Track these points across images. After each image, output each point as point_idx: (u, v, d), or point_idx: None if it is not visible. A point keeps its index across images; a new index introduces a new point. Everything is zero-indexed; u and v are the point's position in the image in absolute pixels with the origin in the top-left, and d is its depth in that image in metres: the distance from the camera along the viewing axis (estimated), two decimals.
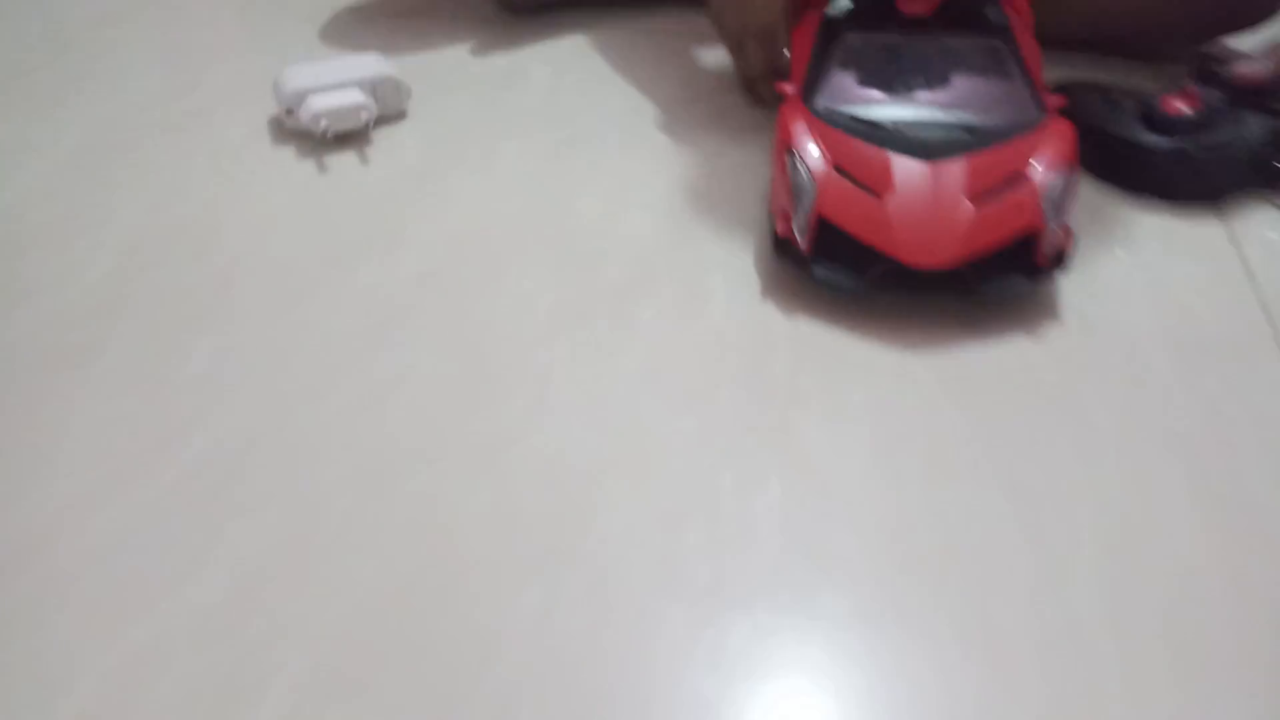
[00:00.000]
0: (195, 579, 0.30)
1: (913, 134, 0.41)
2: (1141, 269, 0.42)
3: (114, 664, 0.28)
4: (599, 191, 0.48)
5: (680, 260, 0.43)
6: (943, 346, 0.39)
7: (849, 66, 0.44)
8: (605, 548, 0.31)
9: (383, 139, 0.52)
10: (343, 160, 0.50)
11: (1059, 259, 0.40)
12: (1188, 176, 0.45)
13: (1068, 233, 0.40)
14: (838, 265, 0.40)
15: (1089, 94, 0.48)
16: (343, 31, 0.62)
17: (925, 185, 0.39)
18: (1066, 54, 0.55)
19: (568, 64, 0.58)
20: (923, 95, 0.42)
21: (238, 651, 0.28)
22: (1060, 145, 0.40)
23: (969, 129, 0.41)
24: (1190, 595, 0.30)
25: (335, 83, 0.51)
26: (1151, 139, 0.45)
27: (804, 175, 0.40)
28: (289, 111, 0.50)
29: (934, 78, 0.43)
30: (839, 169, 0.40)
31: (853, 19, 0.45)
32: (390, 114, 0.53)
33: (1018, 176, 0.39)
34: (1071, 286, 0.41)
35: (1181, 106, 0.45)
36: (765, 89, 0.53)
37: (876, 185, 0.39)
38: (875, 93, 0.43)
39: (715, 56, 0.59)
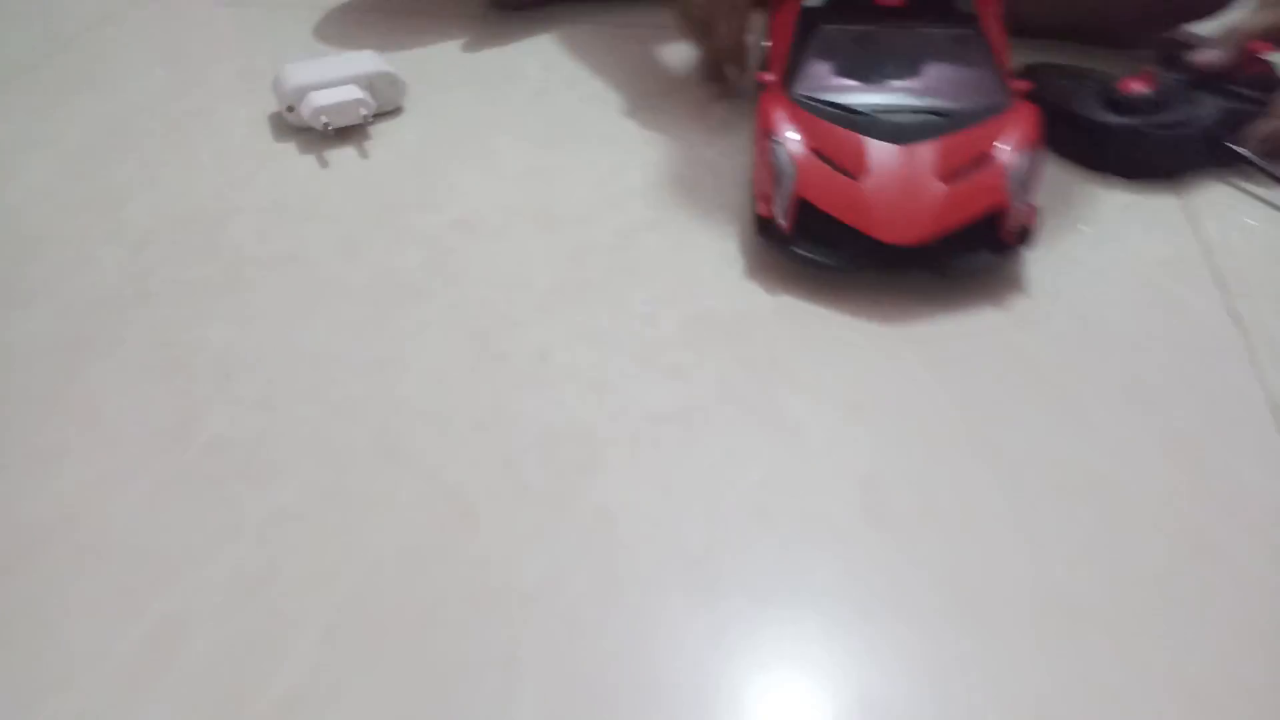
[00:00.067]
0: (217, 552, 0.32)
1: (886, 119, 0.43)
2: (1103, 243, 0.45)
3: (141, 634, 0.30)
4: (590, 179, 0.50)
5: (669, 243, 0.45)
6: (917, 318, 0.41)
7: (826, 55, 0.46)
8: (604, 513, 0.33)
9: (381, 133, 0.54)
10: (343, 154, 0.52)
11: (1025, 235, 0.42)
12: (1144, 154, 0.47)
13: (1032, 210, 0.42)
14: (817, 244, 0.42)
15: (1053, 76, 0.50)
16: (338, 29, 0.64)
17: (898, 167, 0.41)
18: (1037, 42, 0.57)
19: (556, 59, 0.60)
20: (896, 82, 0.45)
21: (259, 619, 0.30)
22: (1025, 128, 0.42)
23: (939, 113, 0.43)
24: (1153, 544, 0.32)
25: (334, 79, 0.53)
26: (1110, 118, 0.47)
27: (784, 159, 0.42)
28: (290, 108, 0.52)
29: (907, 65, 0.45)
30: (817, 153, 0.42)
31: (829, 10, 0.48)
32: (388, 109, 0.55)
33: (985, 158, 0.41)
34: (1038, 260, 0.44)
35: (1138, 88, 0.47)
36: (733, 70, 0.55)
37: (852, 168, 0.41)
38: (851, 80, 0.45)
39: (694, 51, 0.61)
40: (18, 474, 0.35)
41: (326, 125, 0.52)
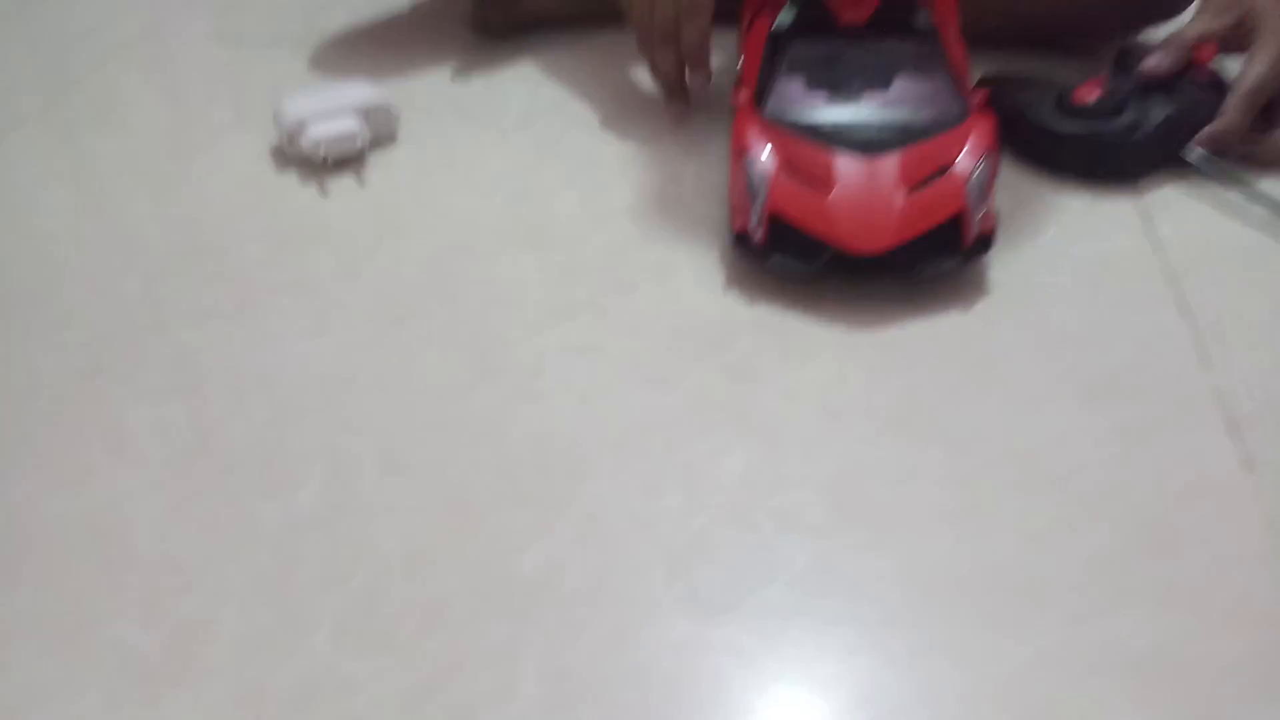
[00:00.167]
0: (234, 559, 0.35)
1: (852, 133, 0.45)
2: (1061, 244, 0.47)
3: (165, 636, 0.33)
4: (576, 198, 0.52)
5: (653, 258, 0.48)
6: (886, 322, 0.44)
7: (795, 73, 0.49)
8: (594, 515, 0.36)
9: (377, 161, 0.56)
10: (342, 183, 0.55)
11: (985, 240, 0.45)
12: (1097, 158, 0.50)
13: (991, 216, 0.45)
14: (790, 255, 0.45)
15: (1010, 85, 0.53)
16: (331, 59, 0.67)
17: (863, 179, 0.44)
18: (998, 50, 0.60)
19: (541, 82, 0.63)
20: (861, 97, 0.47)
21: (275, 620, 0.33)
22: (982, 138, 0.45)
23: (902, 127, 0.46)
24: (1106, 534, 0.35)
25: (332, 110, 0.55)
26: (1063, 125, 0.50)
27: (757, 176, 0.45)
28: (290, 140, 0.55)
29: (870, 81, 0.48)
30: (788, 168, 0.45)
31: (796, 30, 0.50)
32: (383, 137, 0.58)
33: (945, 168, 0.44)
34: (999, 263, 0.46)
35: (1090, 94, 0.50)
36: (697, 77, 0.54)
37: (821, 181, 0.44)
38: (819, 96, 0.48)
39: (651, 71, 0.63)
40: (47, 492, 0.38)
41: (324, 156, 0.54)
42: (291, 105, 0.55)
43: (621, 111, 0.60)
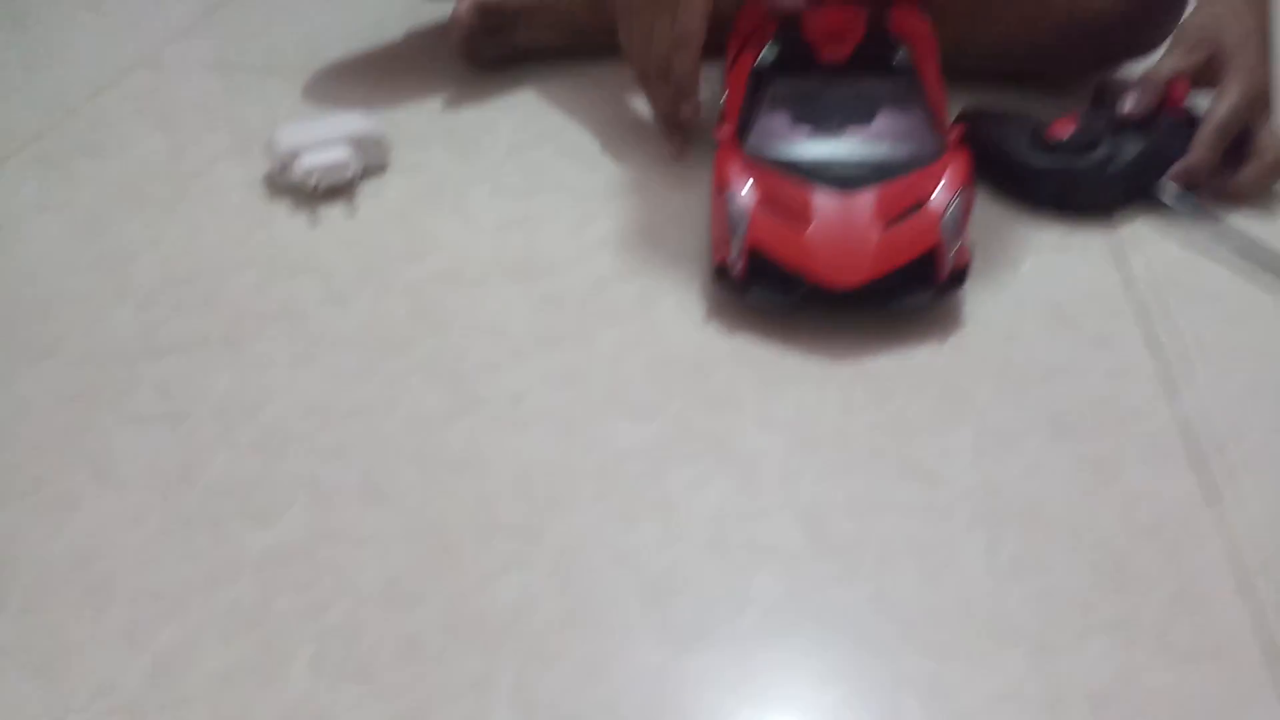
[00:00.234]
0: (216, 587, 0.36)
1: (830, 169, 0.47)
2: (1034, 278, 0.48)
3: (148, 664, 0.33)
4: (562, 230, 0.53)
5: (635, 290, 0.49)
6: (862, 354, 0.44)
7: (776, 110, 0.50)
8: (571, 546, 0.37)
9: (368, 190, 0.57)
10: (332, 211, 0.56)
11: (959, 274, 0.46)
12: (1070, 193, 0.51)
13: (965, 250, 0.46)
14: (769, 288, 0.46)
15: (987, 120, 0.54)
16: (325, 89, 0.68)
17: (840, 215, 0.45)
18: (977, 86, 0.61)
19: (529, 113, 0.64)
20: (840, 133, 0.48)
21: (255, 649, 0.34)
22: (958, 174, 0.46)
23: (879, 163, 0.47)
24: (1074, 564, 0.35)
25: (324, 140, 0.56)
26: (1038, 160, 0.51)
27: (738, 211, 0.46)
28: (282, 169, 0.56)
29: (849, 117, 0.49)
30: (768, 203, 0.46)
31: (777, 68, 0.52)
32: (374, 167, 0.59)
33: (921, 203, 0.45)
34: (973, 296, 0.47)
35: (1063, 130, 0.51)
36: (688, 106, 0.55)
37: (799, 216, 0.45)
38: (799, 133, 0.49)
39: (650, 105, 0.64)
40: (33, 518, 0.38)
41: (316, 185, 0.55)
42: (284, 135, 0.57)
43: (609, 143, 0.61)
